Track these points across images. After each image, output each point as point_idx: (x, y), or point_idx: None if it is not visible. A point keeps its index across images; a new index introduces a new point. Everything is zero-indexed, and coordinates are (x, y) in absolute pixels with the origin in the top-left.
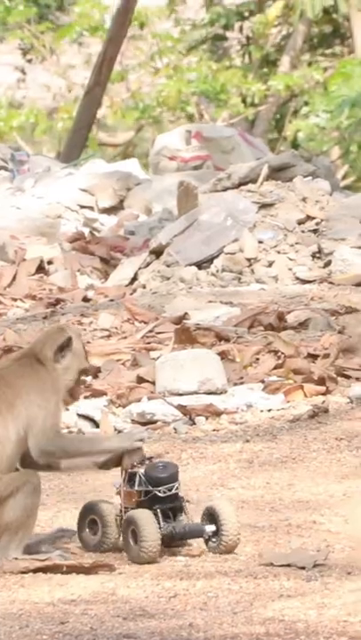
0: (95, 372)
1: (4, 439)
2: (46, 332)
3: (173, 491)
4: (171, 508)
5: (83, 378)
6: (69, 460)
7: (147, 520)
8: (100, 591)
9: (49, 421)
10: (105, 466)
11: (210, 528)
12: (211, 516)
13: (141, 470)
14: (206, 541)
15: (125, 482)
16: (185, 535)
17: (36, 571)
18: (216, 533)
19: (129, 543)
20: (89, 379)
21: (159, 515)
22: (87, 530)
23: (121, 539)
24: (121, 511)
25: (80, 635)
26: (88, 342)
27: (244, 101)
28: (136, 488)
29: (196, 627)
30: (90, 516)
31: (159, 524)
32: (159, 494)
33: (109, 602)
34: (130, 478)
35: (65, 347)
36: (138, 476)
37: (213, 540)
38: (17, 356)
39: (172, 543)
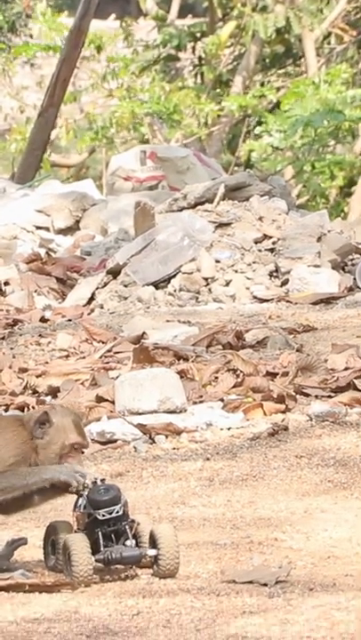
0: (54, 392)
1: None
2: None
3: (114, 514)
4: (113, 531)
5: (74, 451)
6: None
7: (78, 545)
8: (63, 609)
9: None
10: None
11: (152, 552)
12: (152, 540)
13: (85, 493)
14: (151, 565)
15: (74, 504)
16: (121, 561)
17: None
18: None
19: (65, 567)
20: (48, 399)
21: (100, 538)
22: (49, 549)
23: None
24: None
25: None
26: (46, 362)
27: (197, 122)
28: (81, 511)
29: None
30: (51, 536)
31: (100, 547)
32: (99, 517)
33: (72, 620)
34: (77, 501)
35: (43, 421)
36: (81, 499)
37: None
38: (10, 415)
39: (111, 566)
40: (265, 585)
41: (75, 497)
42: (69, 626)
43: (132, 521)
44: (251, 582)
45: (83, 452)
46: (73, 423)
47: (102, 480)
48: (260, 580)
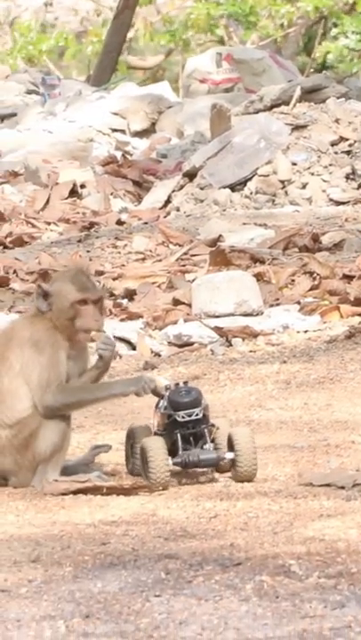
0: (130, 295)
1: (9, 392)
2: None
3: (194, 417)
4: (192, 434)
5: (87, 308)
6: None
7: (155, 448)
8: (140, 512)
9: (44, 376)
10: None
11: (229, 456)
12: (230, 444)
13: (167, 394)
14: (229, 468)
15: (156, 405)
16: (198, 464)
17: (75, 492)
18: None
19: (142, 470)
20: (125, 301)
21: (178, 441)
22: (130, 453)
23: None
24: (155, 434)
25: (122, 555)
26: (122, 265)
27: (273, 24)
28: (161, 412)
29: (237, 547)
30: (131, 439)
31: (178, 450)
32: (178, 419)
33: (150, 523)
34: (159, 402)
35: (41, 294)
36: (163, 400)
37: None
38: (27, 311)
39: (188, 469)
40: (342, 488)
41: (151, 401)
42: (147, 528)
43: (212, 425)
44: (328, 485)
45: (96, 304)
46: (71, 282)
47: (185, 382)
48: (338, 482)
